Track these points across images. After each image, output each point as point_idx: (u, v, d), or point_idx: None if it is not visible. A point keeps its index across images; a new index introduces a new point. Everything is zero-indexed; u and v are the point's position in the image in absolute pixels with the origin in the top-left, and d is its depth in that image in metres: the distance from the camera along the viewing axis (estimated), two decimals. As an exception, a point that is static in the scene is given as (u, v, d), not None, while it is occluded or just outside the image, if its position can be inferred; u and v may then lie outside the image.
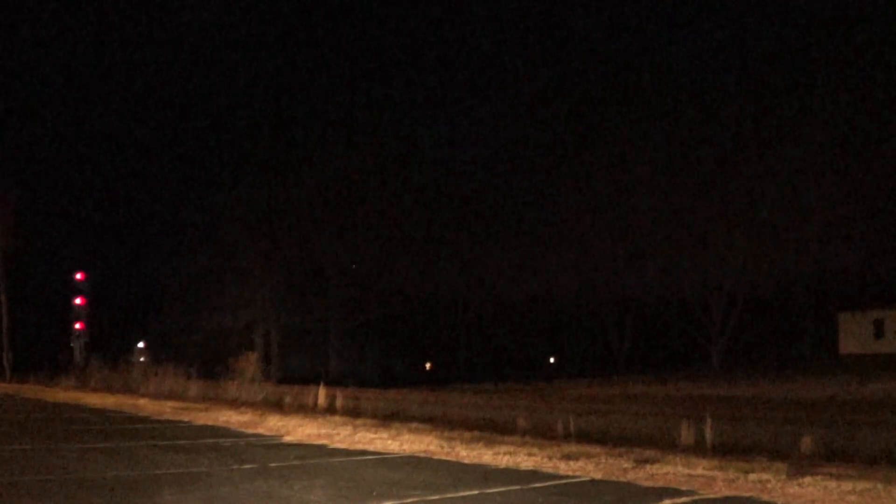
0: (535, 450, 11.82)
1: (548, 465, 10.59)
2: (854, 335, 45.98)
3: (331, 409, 19.61)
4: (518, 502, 8.18)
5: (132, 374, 31.96)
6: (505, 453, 11.57)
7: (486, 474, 9.92)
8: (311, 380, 25.27)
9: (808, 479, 9.02)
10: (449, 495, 8.38)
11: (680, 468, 10.01)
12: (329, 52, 77.80)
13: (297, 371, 45.74)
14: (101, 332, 51.64)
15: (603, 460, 10.79)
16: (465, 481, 9.31)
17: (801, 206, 44.51)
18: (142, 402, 24.31)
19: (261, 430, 15.50)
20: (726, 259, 45.19)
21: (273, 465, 10.67)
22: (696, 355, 50.43)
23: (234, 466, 10.44)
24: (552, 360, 64.06)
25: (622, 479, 9.50)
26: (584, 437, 13.49)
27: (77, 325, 48.98)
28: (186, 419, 18.32)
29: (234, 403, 22.34)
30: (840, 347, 46.91)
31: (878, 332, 44.98)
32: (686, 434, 12.26)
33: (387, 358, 58.00)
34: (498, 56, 76.50)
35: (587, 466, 10.41)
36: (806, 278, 46.23)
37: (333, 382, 26.53)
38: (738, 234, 44.90)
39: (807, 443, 11.04)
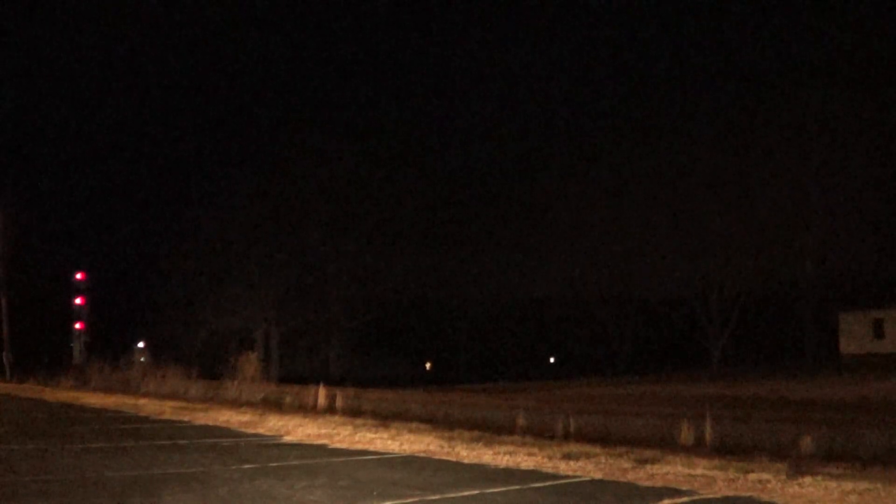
0: (535, 450, 11.82)
1: (548, 465, 10.59)
2: (854, 335, 45.90)
3: (331, 409, 19.62)
4: (518, 502, 8.17)
5: (132, 374, 31.97)
6: (505, 453, 11.57)
7: (486, 474, 9.92)
8: (311, 380, 25.25)
9: (808, 479, 9.02)
10: (449, 495, 8.38)
11: (680, 468, 10.01)
12: (329, 52, 77.81)
13: (297, 371, 45.70)
14: (101, 332, 51.62)
15: (603, 460, 10.79)
16: (465, 481, 9.31)
17: (801, 206, 44.52)
18: (142, 402, 24.30)
19: (261, 430, 15.49)
20: (726, 259, 45.15)
21: (273, 465, 10.67)
22: (696, 355, 50.38)
23: (234, 466, 10.43)
24: (552, 359, 64.04)
25: (622, 479, 9.49)
26: (584, 437, 13.49)
27: (77, 325, 48.96)
28: (186, 419, 18.32)
29: (234, 403, 22.34)
30: (840, 347, 46.83)
31: (878, 332, 44.91)
32: (686, 434, 12.26)
33: (387, 358, 57.95)
34: (499, 54, 76.54)
35: (587, 466, 10.41)
36: (806, 278, 46.20)
37: (333, 382, 26.50)
38: (738, 234, 44.86)
39: (807, 443, 11.03)
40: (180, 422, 17.75)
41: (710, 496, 8.36)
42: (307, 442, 13.65)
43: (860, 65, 44.97)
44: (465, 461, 11.07)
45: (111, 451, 12.22)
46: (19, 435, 14.79)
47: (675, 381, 35.78)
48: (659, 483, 9.14)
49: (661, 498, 8.20)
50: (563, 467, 10.41)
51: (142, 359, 36.47)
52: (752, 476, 9.34)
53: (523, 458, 11.12)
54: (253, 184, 51.44)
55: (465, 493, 8.48)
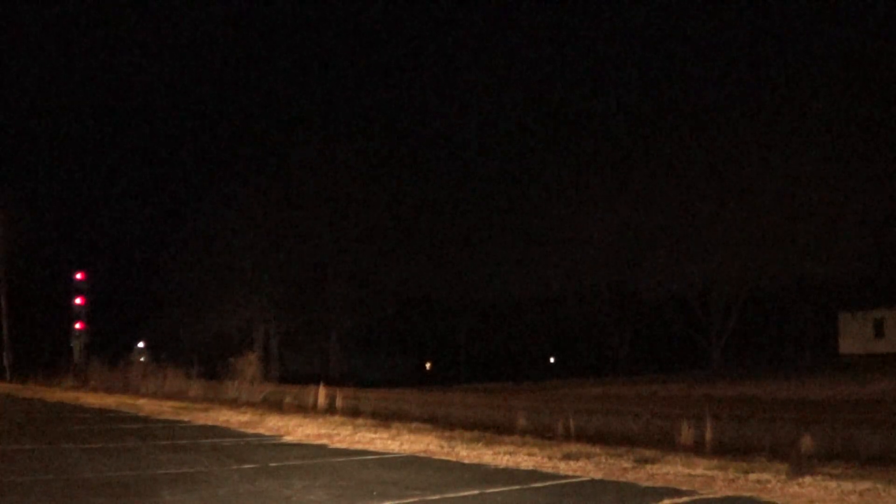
0: (535, 450, 11.82)
1: (548, 465, 10.59)
2: (854, 335, 45.92)
3: (331, 409, 19.62)
4: (518, 502, 8.17)
5: (132, 374, 31.97)
6: (505, 453, 11.57)
7: (486, 474, 9.92)
8: (311, 380, 25.28)
9: (808, 479, 9.02)
10: (449, 495, 8.38)
11: (680, 468, 10.01)
12: (329, 53, 77.85)
13: (297, 371, 45.76)
14: (101, 332, 51.61)
15: (603, 460, 10.79)
16: (465, 481, 9.31)
17: (800, 205, 44.46)
18: (142, 402, 24.30)
19: (261, 430, 15.50)
20: (726, 259, 45.12)
21: (273, 465, 10.67)
22: (696, 355, 50.38)
23: (234, 466, 10.43)
24: (552, 360, 64.05)
25: (622, 479, 9.50)
26: (584, 437, 13.50)
27: (77, 325, 48.93)
28: (186, 419, 18.32)
29: (234, 403, 22.36)
30: (840, 347, 46.84)
31: (878, 332, 44.92)
32: (686, 434, 12.26)
33: (387, 358, 57.99)
34: (499, 54, 76.54)
35: (587, 466, 10.41)
36: (806, 278, 46.15)
37: (333, 382, 26.52)
38: (738, 234, 44.82)
39: (807, 443, 11.03)
40: (180, 422, 17.75)
41: (711, 496, 8.36)
42: (307, 442, 13.65)
43: (860, 65, 44.92)
44: (465, 461, 11.07)
45: (111, 451, 12.21)
46: (19, 435, 14.78)
47: (674, 381, 35.76)
48: (659, 483, 9.15)
49: (661, 498, 8.20)
50: (563, 467, 10.42)
51: (142, 359, 36.45)
52: (752, 476, 9.34)
53: (523, 458, 11.12)
54: (253, 184, 51.47)
55: (465, 493, 8.48)
